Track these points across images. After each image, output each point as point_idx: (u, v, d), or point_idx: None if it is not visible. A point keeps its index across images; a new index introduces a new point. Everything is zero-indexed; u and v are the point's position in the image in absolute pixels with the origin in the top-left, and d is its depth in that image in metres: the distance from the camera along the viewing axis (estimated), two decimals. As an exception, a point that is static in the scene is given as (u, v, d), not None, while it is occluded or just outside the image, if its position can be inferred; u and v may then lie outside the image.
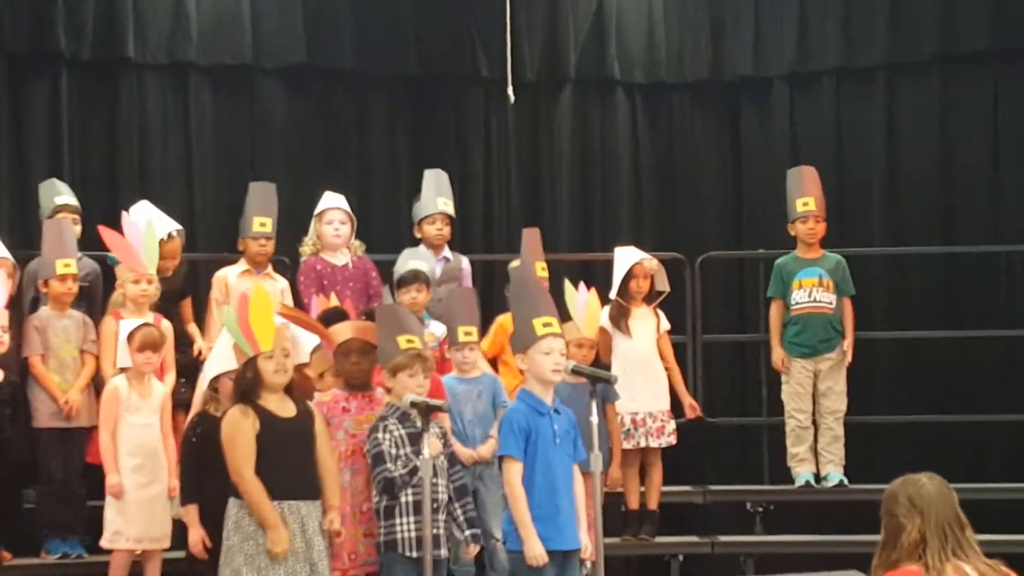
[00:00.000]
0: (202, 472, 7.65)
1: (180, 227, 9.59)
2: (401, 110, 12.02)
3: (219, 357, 7.74)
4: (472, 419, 8.58)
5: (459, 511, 7.64)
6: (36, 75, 11.07)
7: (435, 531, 7.31)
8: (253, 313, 7.31)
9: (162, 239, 9.19)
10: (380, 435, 7.49)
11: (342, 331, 7.90)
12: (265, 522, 7.13)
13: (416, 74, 11.98)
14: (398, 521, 7.45)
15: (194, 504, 7.74)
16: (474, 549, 7.76)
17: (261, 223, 9.59)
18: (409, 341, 7.61)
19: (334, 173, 11.24)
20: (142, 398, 8.37)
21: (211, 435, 7.49)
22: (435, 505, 7.34)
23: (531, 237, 9.56)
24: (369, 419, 7.68)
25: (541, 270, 9.41)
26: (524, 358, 7.38)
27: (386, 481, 7.43)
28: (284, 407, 7.33)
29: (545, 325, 7.36)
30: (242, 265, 9.61)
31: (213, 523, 7.53)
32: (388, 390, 7.66)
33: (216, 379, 7.73)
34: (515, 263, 9.59)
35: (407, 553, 7.42)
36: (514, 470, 7.26)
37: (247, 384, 7.31)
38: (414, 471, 7.37)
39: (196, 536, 7.71)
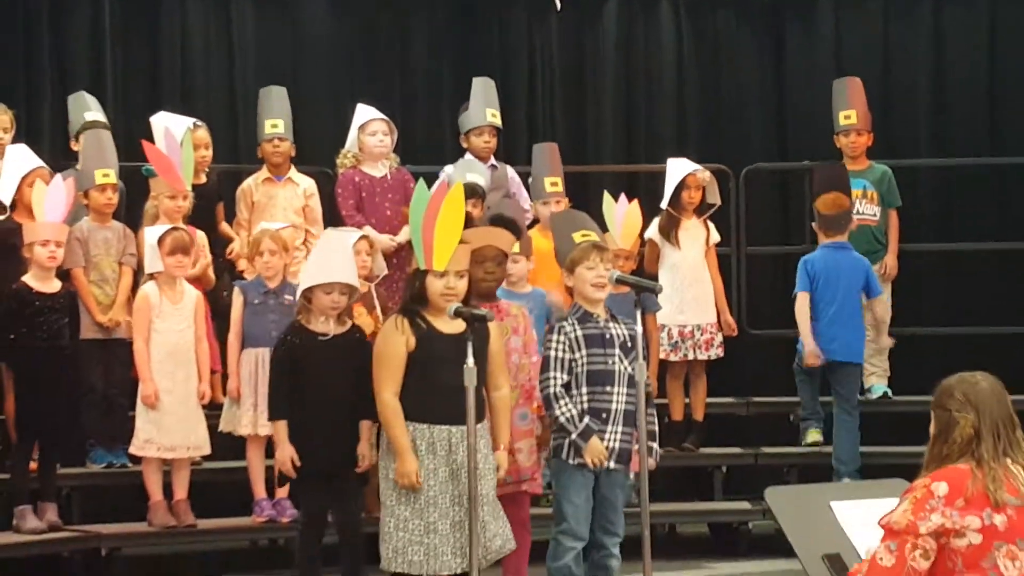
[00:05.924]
0: (292, 386, 7.32)
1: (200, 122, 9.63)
2: (444, 24, 11.96)
3: (314, 268, 7.47)
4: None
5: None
6: (77, -1, 11.10)
7: (612, 444, 7.14)
8: (440, 225, 6.78)
9: (188, 128, 9.24)
10: (555, 337, 7.16)
11: (476, 237, 7.29)
12: (394, 449, 6.74)
13: (459, -13, 11.95)
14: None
15: (283, 420, 7.31)
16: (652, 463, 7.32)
17: (272, 124, 9.64)
18: (584, 235, 7.38)
19: (377, 88, 11.22)
20: (173, 304, 8.35)
21: (300, 347, 7.32)
22: (605, 416, 7.15)
23: (548, 152, 9.65)
24: (502, 329, 7.28)
25: (551, 185, 9.42)
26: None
27: (544, 395, 7.17)
28: (452, 322, 6.70)
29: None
30: (263, 173, 9.65)
31: (300, 439, 7.28)
32: (569, 289, 7.39)
33: (309, 290, 7.32)
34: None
35: (571, 461, 7.17)
36: None
37: (411, 294, 6.89)
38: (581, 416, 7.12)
39: (284, 453, 7.27)
